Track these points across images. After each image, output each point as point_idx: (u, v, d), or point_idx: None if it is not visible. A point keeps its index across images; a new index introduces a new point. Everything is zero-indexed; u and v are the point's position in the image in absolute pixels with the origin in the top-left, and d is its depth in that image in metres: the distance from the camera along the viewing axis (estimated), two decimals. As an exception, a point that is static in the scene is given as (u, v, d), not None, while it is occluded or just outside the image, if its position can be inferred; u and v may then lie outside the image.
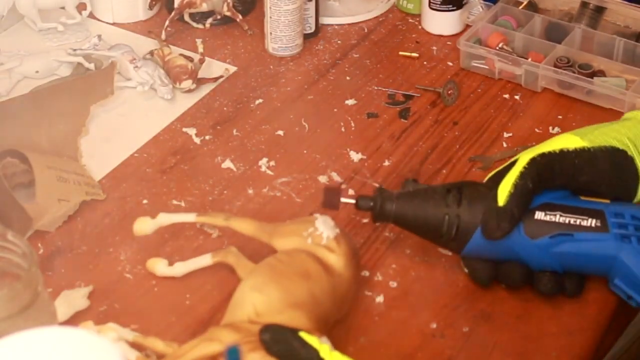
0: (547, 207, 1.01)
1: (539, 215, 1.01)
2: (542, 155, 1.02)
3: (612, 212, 1.01)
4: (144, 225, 1.07)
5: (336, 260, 1.00)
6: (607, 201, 1.02)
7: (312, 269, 0.98)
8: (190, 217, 1.07)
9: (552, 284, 1.02)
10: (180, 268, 1.06)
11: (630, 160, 1.04)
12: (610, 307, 1.04)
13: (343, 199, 1.03)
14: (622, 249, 1.00)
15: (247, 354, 0.88)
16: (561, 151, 1.02)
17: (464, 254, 1.03)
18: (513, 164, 1.02)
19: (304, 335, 0.89)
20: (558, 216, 1.01)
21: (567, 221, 1.00)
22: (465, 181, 1.04)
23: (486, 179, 1.05)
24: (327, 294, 0.97)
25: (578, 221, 1.00)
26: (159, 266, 1.07)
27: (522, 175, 1.00)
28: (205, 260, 1.06)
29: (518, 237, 1.00)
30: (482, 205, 1.01)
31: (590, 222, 1.00)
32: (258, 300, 0.94)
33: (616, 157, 1.03)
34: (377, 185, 1.19)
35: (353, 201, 1.03)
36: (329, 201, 1.03)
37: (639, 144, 1.04)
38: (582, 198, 1.03)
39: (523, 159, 1.02)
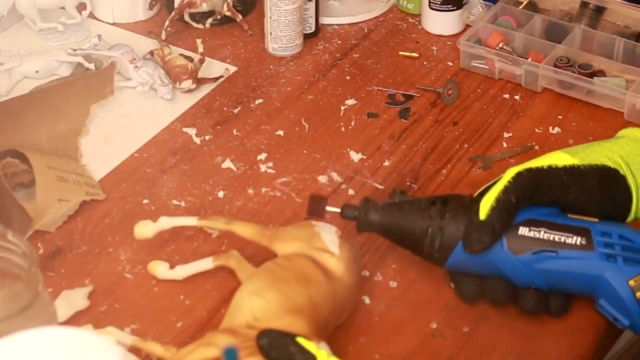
0: (531, 223, 0.99)
1: (523, 230, 0.99)
2: (529, 170, 1.00)
3: (599, 230, 0.99)
4: (145, 229, 1.07)
5: (336, 264, 0.99)
6: (596, 220, 1.01)
7: (311, 274, 0.97)
8: (191, 221, 1.07)
9: (536, 302, 1.00)
10: (182, 271, 1.06)
11: (622, 179, 1.02)
12: (610, 307, 1.04)
13: (328, 208, 1.02)
14: (607, 269, 0.98)
15: (244, 359, 0.88)
16: (549, 167, 1.01)
17: (447, 268, 1.02)
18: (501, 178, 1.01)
19: (301, 340, 0.88)
20: (542, 232, 0.99)
21: (551, 238, 0.99)
22: (452, 194, 1.03)
23: (476, 193, 1.03)
24: (327, 298, 0.97)
25: (562, 238, 0.98)
26: (160, 269, 1.07)
27: (506, 190, 0.98)
28: (206, 263, 1.06)
29: (500, 252, 0.99)
30: (465, 218, 0.99)
31: (575, 239, 0.98)
32: (256, 305, 0.94)
33: (607, 175, 1.01)
34: (377, 185, 1.19)
35: (338, 210, 1.02)
36: (314, 209, 1.03)
37: (632, 162, 1.02)
38: (570, 216, 1.01)
39: (509, 173, 1.00)
